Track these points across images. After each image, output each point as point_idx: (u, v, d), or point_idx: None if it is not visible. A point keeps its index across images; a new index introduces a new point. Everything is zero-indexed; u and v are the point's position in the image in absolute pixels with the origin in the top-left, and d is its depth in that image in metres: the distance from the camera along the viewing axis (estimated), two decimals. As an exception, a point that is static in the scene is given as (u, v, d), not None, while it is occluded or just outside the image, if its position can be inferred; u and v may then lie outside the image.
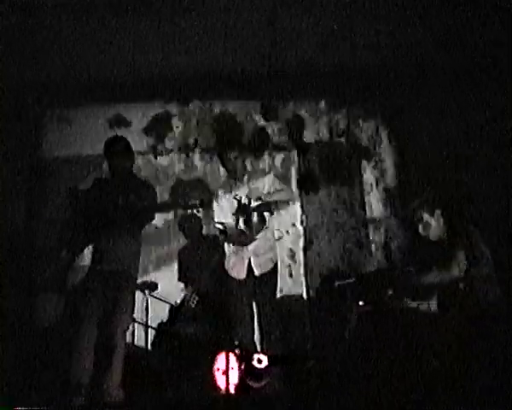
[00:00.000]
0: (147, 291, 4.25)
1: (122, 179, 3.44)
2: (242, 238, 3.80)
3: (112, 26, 4.31)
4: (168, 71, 5.04)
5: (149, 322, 4.20)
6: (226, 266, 3.90)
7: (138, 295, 4.31)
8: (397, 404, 2.54)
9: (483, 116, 4.83)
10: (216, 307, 4.12)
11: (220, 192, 4.00)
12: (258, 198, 3.76)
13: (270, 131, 5.32)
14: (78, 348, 3.15)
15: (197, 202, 3.25)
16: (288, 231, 4.98)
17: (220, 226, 3.93)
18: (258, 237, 3.78)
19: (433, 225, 3.55)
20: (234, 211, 3.85)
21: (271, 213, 3.92)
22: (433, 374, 2.69)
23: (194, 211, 3.31)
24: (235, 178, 3.93)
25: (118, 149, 3.46)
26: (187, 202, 3.26)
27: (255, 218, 3.73)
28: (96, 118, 5.23)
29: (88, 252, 3.33)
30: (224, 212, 3.90)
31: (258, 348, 3.75)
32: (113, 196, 3.33)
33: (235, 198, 3.85)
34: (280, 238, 4.00)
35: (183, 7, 4.19)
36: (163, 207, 3.54)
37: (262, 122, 5.33)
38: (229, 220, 3.86)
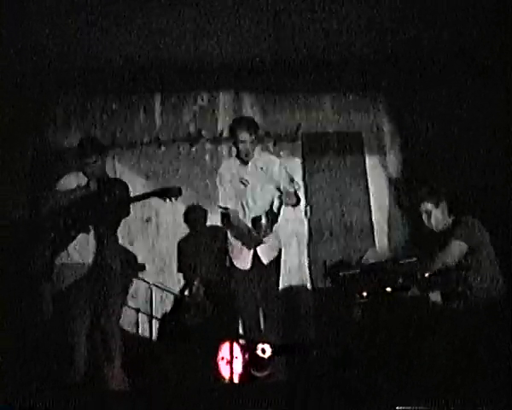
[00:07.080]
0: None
1: (96, 182, 3.46)
2: (249, 239, 3.66)
3: (119, 14, 4.29)
4: (174, 60, 5.03)
5: (153, 312, 4.22)
6: (231, 256, 3.81)
7: (142, 285, 4.35)
8: (401, 394, 2.54)
9: (487, 107, 4.80)
10: (220, 296, 4.13)
11: (225, 174, 3.81)
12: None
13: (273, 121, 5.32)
14: (72, 338, 3.26)
15: (175, 188, 3.26)
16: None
17: (223, 211, 3.83)
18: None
19: (438, 216, 3.54)
20: (237, 194, 3.74)
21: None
22: (438, 365, 2.69)
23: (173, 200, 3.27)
24: (244, 160, 3.76)
25: (87, 152, 3.46)
26: (162, 190, 3.27)
27: (263, 220, 3.60)
28: (99, 107, 5.22)
29: (72, 248, 3.39)
30: (229, 196, 3.77)
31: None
32: (90, 200, 3.42)
33: (241, 182, 3.75)
34: None
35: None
36: (135, 199, 3.58)
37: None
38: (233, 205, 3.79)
